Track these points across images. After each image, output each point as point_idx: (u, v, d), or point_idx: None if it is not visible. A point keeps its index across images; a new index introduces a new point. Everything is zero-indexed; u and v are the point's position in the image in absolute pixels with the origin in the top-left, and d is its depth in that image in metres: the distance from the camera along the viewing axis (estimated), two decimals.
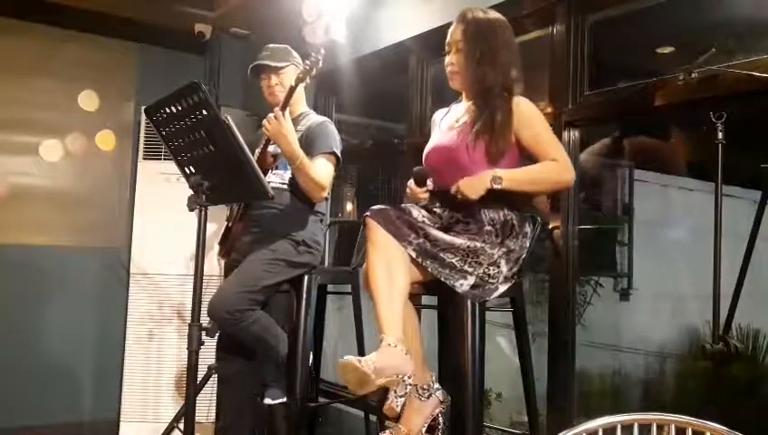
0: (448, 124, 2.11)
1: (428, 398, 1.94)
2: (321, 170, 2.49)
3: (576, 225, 2.52)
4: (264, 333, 2.45)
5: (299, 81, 2.39)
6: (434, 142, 2.12)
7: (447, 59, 2.07)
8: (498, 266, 1.91)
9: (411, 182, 2.02)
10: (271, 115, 2.40)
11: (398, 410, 1.79)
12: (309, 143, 2.54)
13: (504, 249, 1.93)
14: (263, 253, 2.47)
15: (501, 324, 3.10)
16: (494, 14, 2.03)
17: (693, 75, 2.06)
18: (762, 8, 2.41)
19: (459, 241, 1.88)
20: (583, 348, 4.56)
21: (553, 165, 1.93)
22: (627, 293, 5.92)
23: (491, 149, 1.92)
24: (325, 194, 2.53)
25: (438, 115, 2.23)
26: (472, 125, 1.97)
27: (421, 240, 1.87)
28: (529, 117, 1.97)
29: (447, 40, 2.06)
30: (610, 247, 5.98)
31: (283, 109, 2.38)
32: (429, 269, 1.87)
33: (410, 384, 1.78)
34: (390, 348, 1.74)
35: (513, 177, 1.89)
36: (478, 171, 1.91)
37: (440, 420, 1.93)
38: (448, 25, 2.11)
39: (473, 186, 1.88)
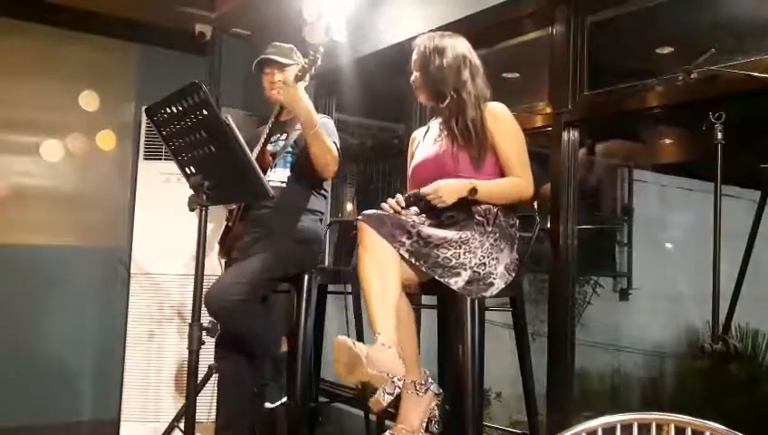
0: (431, 139, 2.21)
1: (425, 392, 1.96)
2: (333, 145, 2.50)
3: (575, 225, 2.53)
4: (259, 327, 2.45)
5: (298, 78, 2.40)
6: (421, 157, 2.20)
7: (411, 79, 2.23)
8: (493, 255, 1.96)
9: (400, 199, 2.04)
10: (280, 82, 2.40)
11: (385, 404, 1.81)
12: None
13: (492, 236, 1.98)
14: (263, 248, 2.48)
15: (501, 324, 3.11)
16: (443, 35, 2.20)
17: (692, 75, 2.06)
18: (762, 8, 2.42)
19: (451, 234, 1.94)
20: (583, 348, 4.57)
21: (519, 182, 2.07)
22: (626, 292, 5.93)
23: (473, 156, 2.06)
24: (335, 168, 2.52)
25: (419, 133, 2.33)
26: (450, 136, 2.09)
27: (414, 239, 1.92)
28: (505, 126, 2.11)
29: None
30: (610, 247, 5.99)
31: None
32: (424, 269, 1.90)
33: (400, 387, 1.81)
34: (384, 348, 1.77)
35: (487, 190, 2.02)
36: (466, 174, 2.04)
37: (436, 412, 1.96)
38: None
39: (450, 191, 1.98)
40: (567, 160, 2.53)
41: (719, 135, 2.00)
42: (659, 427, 1.21)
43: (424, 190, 2.01)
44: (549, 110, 2.60)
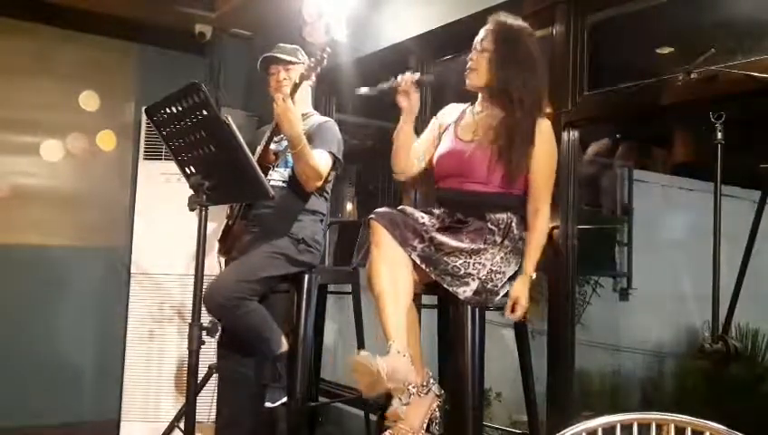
0: (465, 131, 2.12)
1: (427, 393, 1.96)
2: (320, 161, 2.49)
3: (576, 225, 2.53)
4: (258, 326, 2.45)
5: (303, 77, 2.39)
6: (449, 147, 2.13)
7: (469, 56, 2.09)
8: (501, 269, 1.95)
9: (415, 76, 2.05)
10: (281, 94, 2.40)
11: (402, 416, 1.82)
12: (311, 140, 2.55)
13: (504, 250, 1.96)
14: (263, 247, 2.48)
15: (501, 324, 3.11)
16: (521, 23, 2.08)
17: (692, 75, 2.07)
18: (762, 8, 2.42)
19: (464, 245, 1.91)
20: (583, 348, 4.56)
21: (543, 226, 2.03)
22: (626, 292, 5.92)
23: (509, 171, 1.99)
24: (319, 184, 2.52)
25: (451, 114, 2.23)
26: (492, 142, 2.01)
27: (426, 244, 1.91)
28: (545, 148, 2.03)
29: (475, 40, 2.11)
30: (610, 247, 5.99)
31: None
32: (433, 276, 1.90)
33: (413, 393, 1.82)
34: (399, 356, 1.78)
35: (534, 260, 2.00)
36: (492, 187, 2.00)
37: (437, 413, 1.96)
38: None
39: (526, 294, 1.98)
40: (567, 160, 2.53)
41: (719, 135, 2.00)
42: (659, 427, 1.21)
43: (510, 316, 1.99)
44: (549, 110, 2.60)
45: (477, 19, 2.71)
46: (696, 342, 5.10)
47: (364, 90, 2.12)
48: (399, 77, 2.08)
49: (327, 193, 2.70)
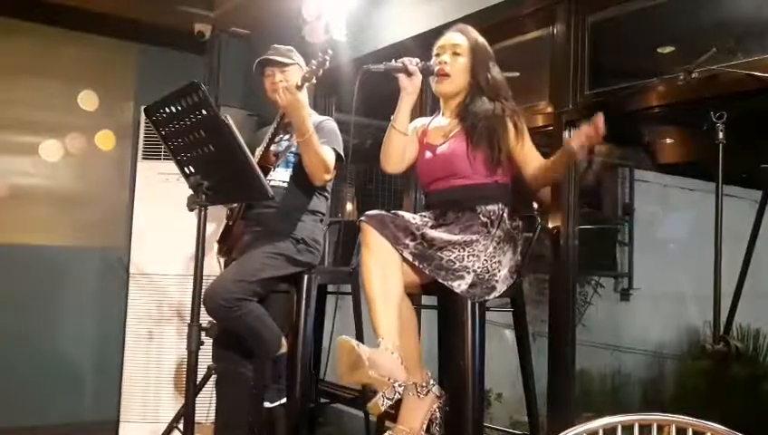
0: (435, 138, 2.16)
1: (426, 394, 1.96)
2: (326, 154, 2.49)
3: (576, 225, 2.52)
4: (258, 326, 2.44)
5: (305, 80, 2.38)
6: (426, 156, 2.16)
7: (440, 59, 2.12)
8: (496, 258, 1.95)
9: (418, 63, 2.07)
10: (282, 83, 2.39)
11: (383, 409, 1.82)
12: None
13: (496, 239, 1.97)
14: (263, 247, 2.48)
15: (501, 324, 3.11)
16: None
17: (693, 75, 2.06)
18: (762, 8, 2.41)
19: (456, 237, 1.92)
20: (584, 348, 4.56)
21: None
22: (627, 293, 5.93)
23: (491, 157, 2.02)
24: (328, 177, 2.51)
25: (420, 125, 2.26)
26: (467, 134, 2.05)
27: (418, 241, 1.91)
28: (522, 131, 2.07)
29: (441, 43, 2.15)
30: (611, 247, 5.99)
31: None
32: (427, 272, 1.89)
33: (400, 393, 1.82)
34: (387, 352, 1.78)
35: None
36: (478, 178, 2.03)
37: (437, 414, 1.96)
38: (448, 25, 2.15)
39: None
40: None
41: (720, 135, 2.00)
42: (660, 428, 1.21)
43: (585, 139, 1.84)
44: (550, 109, 2.60)
45: (478, 18, 2.72)
46: (698, 342, 5.11)
47: (373, 66, 2.12)
48: (406, 58, 2.10)
49: (327, 192, 2.69)
